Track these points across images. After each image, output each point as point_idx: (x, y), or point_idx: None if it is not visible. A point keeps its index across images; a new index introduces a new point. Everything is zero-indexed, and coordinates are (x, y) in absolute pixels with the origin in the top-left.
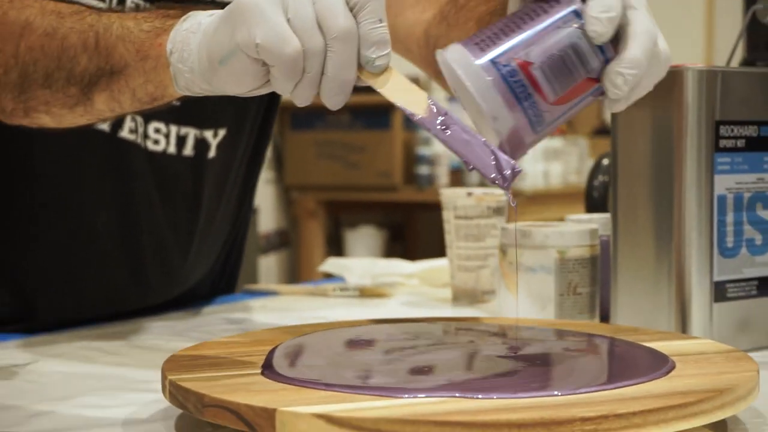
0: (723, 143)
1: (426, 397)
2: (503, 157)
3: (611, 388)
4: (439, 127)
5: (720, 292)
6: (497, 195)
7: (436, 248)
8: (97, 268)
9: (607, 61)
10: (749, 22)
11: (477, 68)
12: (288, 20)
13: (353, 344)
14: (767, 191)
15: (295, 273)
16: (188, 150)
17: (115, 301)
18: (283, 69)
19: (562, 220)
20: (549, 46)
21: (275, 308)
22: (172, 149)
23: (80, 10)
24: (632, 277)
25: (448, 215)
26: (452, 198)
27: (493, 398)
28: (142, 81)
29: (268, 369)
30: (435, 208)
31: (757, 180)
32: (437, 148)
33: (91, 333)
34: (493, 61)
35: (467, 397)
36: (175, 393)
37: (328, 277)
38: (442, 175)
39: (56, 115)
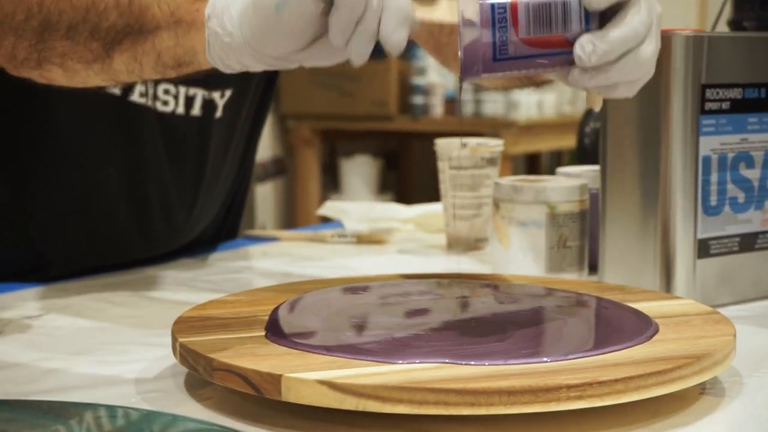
0: (708, 106)
1: (420, 363)
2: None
3: (598, 354)
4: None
5: (703, 248)
6: (491, 146)
7: (430, 177)
8: (105, 223)
9: (587, 32)
10: None
11: None
12: None
13: (350, 303)
14: (750, 151)
15: (291, 201)
16: (196, 110)
17: (123, 253)
18: (348, 2)
19: (553, 173)
20: None
21: (276, 255)
22: (180, 110)
23: None
24: (620, 235)
25: (443, 165)
26: (447, 149)
27: (485, 365)
28: (172, 44)
29: (271, 331)
30: (429, 137)
31: (741, 140)
32: (432, 78)
33: (100, 283)
34: None
35: (460, 364)
36: (185, 355)
37: (326, 220)
38: (437, 104)
39: (69, 70)
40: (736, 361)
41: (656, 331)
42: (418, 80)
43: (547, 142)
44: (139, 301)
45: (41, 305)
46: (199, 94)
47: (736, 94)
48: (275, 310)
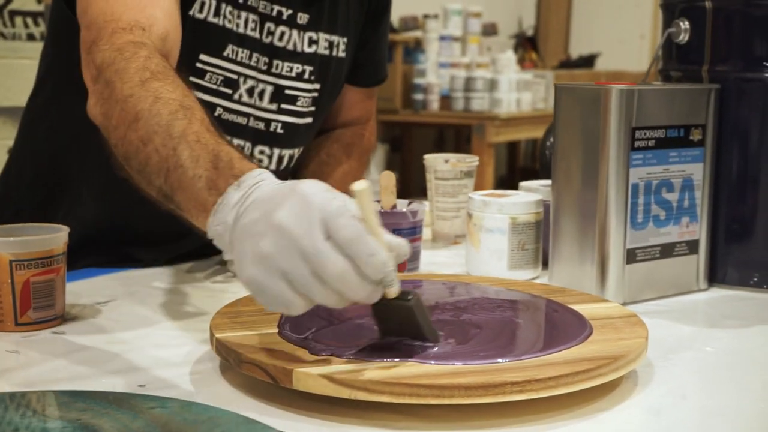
0: (637, 143)
1: (399, 360)
2: None
3: (542, 355)
4: None
5: (631, 256)
6: (469, 161)
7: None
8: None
9: None
10: (665, 41)
11: None
12: (290, 282)
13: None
14: (671, 179)
15: None
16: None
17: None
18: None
19: (516, 188)
20: None
21: None
22: (273, 167)
23: (165, 128)
24: (566, 244)
25: (429, 176)
26: (433, 163)
27: (454, 364)
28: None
29: (284, 329)
30: (426, 127)
31: (663, 171)
32: (430, 78)
33: (154, 272)
34: None
35: (431, 364)
36: (220, 348)
37: None
38: (434, 100)
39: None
40: (650, 351)
41: (591, 333)
42: (418, 80)
43: (524, 132)
44: (183, 288)
45: (109, 293)
46: (287, 153)
47: (660, 133)
48: None
